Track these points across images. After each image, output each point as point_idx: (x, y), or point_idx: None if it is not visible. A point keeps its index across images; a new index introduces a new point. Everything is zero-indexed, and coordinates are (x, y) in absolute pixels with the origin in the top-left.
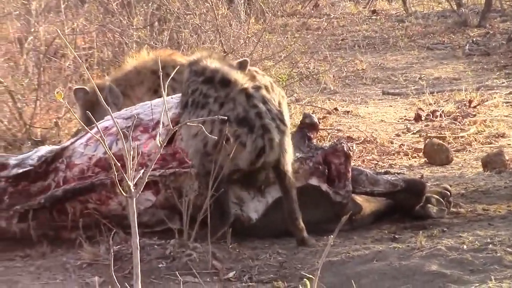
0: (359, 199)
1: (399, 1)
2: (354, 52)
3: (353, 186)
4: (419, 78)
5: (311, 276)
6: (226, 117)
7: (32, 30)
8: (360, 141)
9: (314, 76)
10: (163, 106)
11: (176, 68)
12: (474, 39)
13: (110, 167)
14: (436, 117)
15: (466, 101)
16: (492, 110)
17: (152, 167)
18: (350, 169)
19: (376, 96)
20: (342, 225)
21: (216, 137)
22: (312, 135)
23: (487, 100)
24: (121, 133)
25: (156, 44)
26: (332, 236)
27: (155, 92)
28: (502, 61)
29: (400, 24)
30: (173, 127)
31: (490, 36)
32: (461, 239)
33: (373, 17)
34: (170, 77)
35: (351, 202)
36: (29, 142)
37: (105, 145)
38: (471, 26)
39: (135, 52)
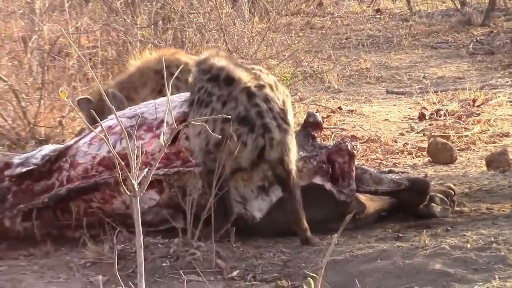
0: (363, 198)
1: (403, 0)
2: (358, 51)
3: (357, 185)
4: (423, 77)
5: (315, 275)
6: (229, 116)
7: (36, 29)
8: (364, 140)
9: (318, 75)
10: (167, 105)
11: (180, 67)
12: (478, 38)
13: (114, 166)
14: (440, 116)
15: (470, 100)
16: (496, 109)
17: (156, 166)
18: (354, 168)
19: (380, 95)
20: (346, 224)
21: (218, 136)
22: (316, 134)
23: (491, 99)
24: (125, 132)
25: (160, 43)
26: (336, 235)
27: (159, 92)
28: (506, 60)
29: (404, 23)
30: (177, 126)
31: (494, 35)
32: (465, 238)
33: (377, 16)
34: (174, 76)
35: (355, 201)
36: (33, 141)
37: (109, 144)
38: (475, 25)
39: (139, 51)
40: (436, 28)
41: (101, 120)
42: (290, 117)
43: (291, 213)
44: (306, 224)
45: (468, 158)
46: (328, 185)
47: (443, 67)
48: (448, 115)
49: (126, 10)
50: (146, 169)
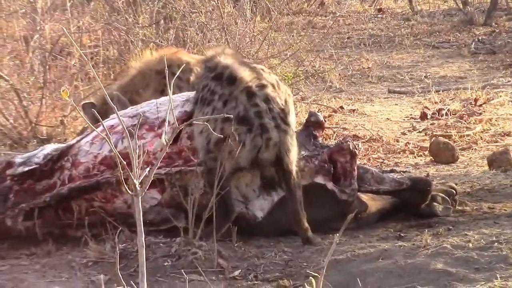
0: (364, 197)
1: (405, 0)
2: (360, 51)
3: (358, 184)
4: (425, 76)
5: (316, 274)
6: (231, 116)
7: (38, 28)
8: (366, 139)
9: (320, 74)
10: (169, 104)
11: (182, 67)
12: (480, 38)
13: (116, 165)
14: (442, 115)
15: (472, 99)
16: (498, 109)
17: (158, 165)
18: (355, 168)
19: (382, 95)
20: (347, 223)
21: (219, 135)
22: (317, 134)
23: (493, 99)
24: (127, 131)
25: (161, 42)
26: (337, 234)
27: (162, 92)
28: (508, 60)
29: (406, 23)
30: (178, 125)
31: (496, 34)
32: (466, 237)
33: (379, 16)
34: (176, 76)
35: (356, 200)
36: (34, 140)
37: (110, 143)
38: (477, 24)
39: (140, 50)
40: (438, 28)
41: None
42: (292, 117)
43: (292, 213)
44: (306, 224)
45: (470, 158)
46: (330, 185)
47: (445, 66)
48: (450, 115)
49: (127, 9)
50: (148, 169)
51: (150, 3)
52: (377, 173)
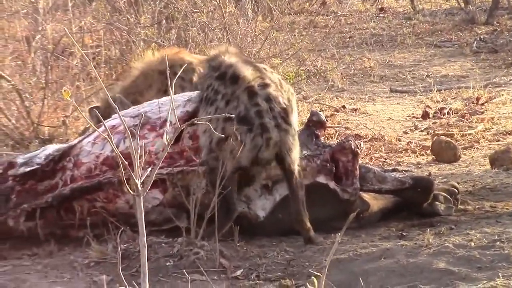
0: (366, 196)
1: None
2: (361, 50)
3: (360, 183)
4: (426, 75)
5: (318, 273)
6: (232, 115)
7: (40, 28)
8: (368, 138)
9: (322, 74)
10: (171, 104)
11: (184, 66)
12: (482, 37)
13: (118, 166)
14: (444, 114)
15: (474, 98)
16: (500, 107)
17: (160, 165)
18: (357, 167)
19: (384, 94)
20: (349, 222)
21: (220, 135)
22: (319, 133)
23: (494, 98)
24: (129, 131)
25: (163, 42)
26: (339, 233)
27: (165, 93)
28: (510, 58)
29: (408, 22)
30: (180, 125)
31: (498, 33)
32: (468, 236)
33: (380, 15)
34: (178, 76)
35: (358, 199)
36: (36, 141)
37: (112, 143)
38: (479, 23)
39: (142, 50)
40: (439, 27)
41: None
42: (294, 116)
43: (294, 213)
44: (309, 224)
45: (472, 157)
46: (331, 184)
47: (447, 65)
48: (452, 114)
49: (129, 9)
50: (150, 169)
51: (151, 3)
52: (379, 172)
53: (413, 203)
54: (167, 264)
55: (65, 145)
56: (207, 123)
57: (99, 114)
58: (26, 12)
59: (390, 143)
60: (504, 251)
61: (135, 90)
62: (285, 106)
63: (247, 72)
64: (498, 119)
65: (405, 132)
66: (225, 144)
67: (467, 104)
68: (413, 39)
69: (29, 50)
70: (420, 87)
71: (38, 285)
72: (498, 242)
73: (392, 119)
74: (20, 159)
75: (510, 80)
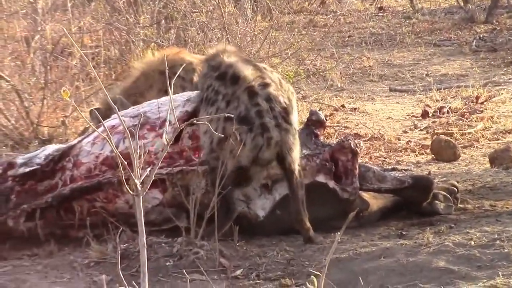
0: (366, 196)
1: None
2: (361, 49)
3: (360, 183)
4: (426, 74)
5: (318, 273)
6: (232, 115)
7: (39, 28)
8: (367, 138)
9: (321, 73)
10: (169, 104)
11: (183, 66)
12: (481, 35)
13: (117, 166)
14: (443, 113)
15: (473, 97)
16: (499, 106)
17: (159, 165)
18: (357, 166)
19: (383, 93)
20: (349, 222)
21: (221, 135)
22: (319, 132)
23: (494, 96)
24: (128, 131)
25: (163, 42)
26: (339, 233)
27: (166, 93)
28: (509, 57)
29: (407, 21)
30: (179, 125)
31: (497, 32)
32: (468, 235)
33: (379, 14)
34: (178, 76)
35: (358, 199)
36: (36, 141)
37: (111, 143)
38: (478, 22)
39: (141, 50)
40: (439, 26)
41: None
42: (294, 116)
43: (294, 212)
44: (308, 224)
45: (472, 155)
46: (331, 183)
47: (446, 64)
48: (451, 113)
49: (128, 9)
50: (149, 168)
51: (151, 3)
52: (379, 171)
53: (413, 202)
54: (167, 264)
55: (64, 145)
56: (206, 123)
57: (97, 114)
58: (25, 12)
59: (389, 142)
60: (504, 250)
61: (135, 91)
62: (285, 105)
63: (247, 72)
64: (497, 118)
65: (405, 131)
66: (226, 144)
67: (467, 103)
68: (413, 38)
69: (28, 51)
70: (420, 86)
71: (38, 285)
72: (498, 241)
73: (392, 118)
74: (19, 160)
75: (509, 78)
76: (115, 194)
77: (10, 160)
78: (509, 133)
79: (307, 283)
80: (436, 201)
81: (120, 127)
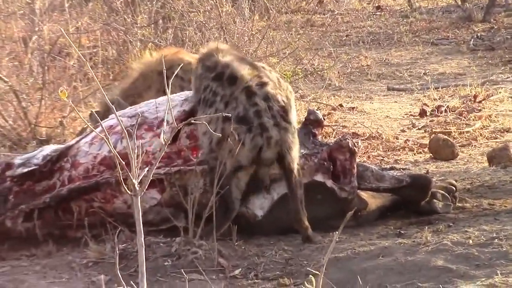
0: (364, 195)
1: None
2: (358, 48)
3: (358, 182)
4: (424, 73)
5: (316, 272)
6: (229, 115)
7: (37, 29)
8: (365, 137)
9: (319, 72)
10: (167, 104)
11: (181, 65)
12: (479, 34)
13: (115, 166)
14: (441, 112)
15: (471, 96)
16: (497, 105)
17: (157, 165)
18: (355, 165)
19: (381, 92)
20: (347, 221)
21: (219, 135)
22: (317, 132)
23: (492, 95)
24: (126, 131)
25: (160, 42)
26: (337, 232)
27: (164, 93)
28: (507, 56)
29: (405, 20)
30: (177, 125)
31: (495, 30)
32: (467, 234)
33: (377, 13)
34: (176, 76)
35: (356, 198)
36: (34, 142)
37: (109, 143)
38: (476, 21)
39: (139, 50)
40: (436, 25)
41: None
42: (293, 114)
43: (293, 211)
44: (307, 223)
45: (470, 154)
46: (329, 183)
47: (444, 63)
48: (449, 111)
49: (126, 9)
50: (147, 168)
51: (148, 3)
52: (377, 170)
53: (411, 201)
54: (165, 263)
55: (62, 146)
56: (204, 123)
57: (95, 115)
58: (22, 13)
59: (387, 141)
60: (502, 249)
61: (134, 92)
62: (283, 104)
63: (245, 72)
64: (495, 117)
65: (403, 130)
66: (225, 144)
67: (465, 101)
68: (410, 37)
69: (26, 51)
70: (417, 85)
71: (37, 285)
72: (496, 239)
73: (390, 117)
74: (17, 160)
75: (507, 77)
76: (113, 194)
77: (8, 160)
78: (507, 131)
79: (305, 282)
80: (435, 200)
81: (118, 127)
